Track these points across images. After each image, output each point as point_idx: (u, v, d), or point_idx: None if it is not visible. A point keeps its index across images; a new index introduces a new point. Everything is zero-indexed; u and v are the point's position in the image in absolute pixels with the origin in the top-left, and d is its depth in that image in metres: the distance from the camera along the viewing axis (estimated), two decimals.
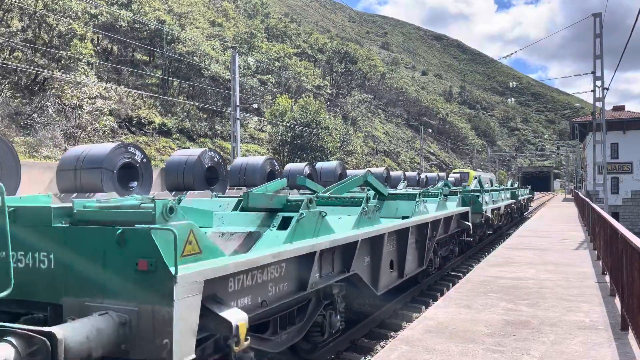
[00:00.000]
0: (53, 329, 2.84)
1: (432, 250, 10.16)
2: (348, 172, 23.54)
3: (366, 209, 7.18)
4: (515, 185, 33.92)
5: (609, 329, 5.97)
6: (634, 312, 5.15)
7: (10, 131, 23.41)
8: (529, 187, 41.66)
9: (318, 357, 6.69)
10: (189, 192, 11.73)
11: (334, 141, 41.39)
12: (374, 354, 7.04)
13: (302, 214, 5.45)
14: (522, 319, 6.41)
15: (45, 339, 2.77)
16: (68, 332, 2.91)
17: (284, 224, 5.40)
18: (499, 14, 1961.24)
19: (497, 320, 6.36)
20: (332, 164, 21.41)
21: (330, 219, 6.24)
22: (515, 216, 27.23)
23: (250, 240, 5.30)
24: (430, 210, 10.41)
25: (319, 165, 20.64)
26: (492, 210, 17.75)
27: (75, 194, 10.18)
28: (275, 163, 16.31)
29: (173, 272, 3.26)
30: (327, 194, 8.28)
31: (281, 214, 5.58)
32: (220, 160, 13.84)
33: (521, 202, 29.38)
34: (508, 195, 23.53)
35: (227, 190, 13.43)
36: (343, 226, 6.71)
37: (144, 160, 11.39)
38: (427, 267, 10.07)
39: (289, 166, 18.54)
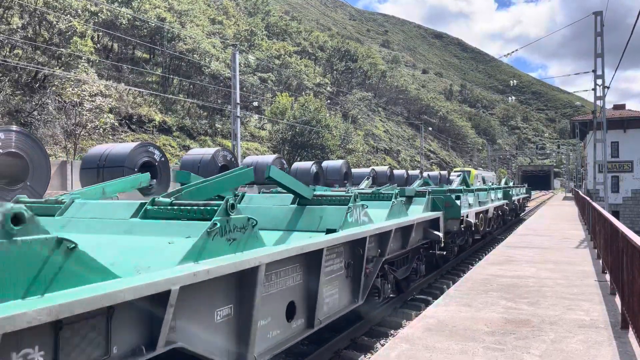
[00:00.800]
0: None
1: (374, 275, 7.18)
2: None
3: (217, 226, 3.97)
4: (510, 184, 30.80)
5: (609, 328, 5.97)
6: (634, 311, 5.15)
7: None
8: (526, 185, 38.40)
9: (318, 355, 6.69)
10: None
11: (334, 139, 41.37)
12: (374, 352, 7.04)
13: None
14: (523, 318, 6.41)
15: None
16: None
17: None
18: (499, 13, 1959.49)
19: (498, 319, 6.36)
20: (337, 162, 21.88)
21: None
22: (509, 219, 24.34)
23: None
24: (378, 219, 7.60)
25: (325, 164, 21.02)
26: (478, 213, 15.06)
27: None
28: (284, 162, 17.02)
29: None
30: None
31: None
32: (232, 158, 14.40)
33: (516, 202, 26.51)
34: (499, 195, 20.82)
35: (239, 188, 13.70)
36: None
37: (162, 159, 11.84)
38: (365, 301, 6.96)
39: (297, 164, 19.07)
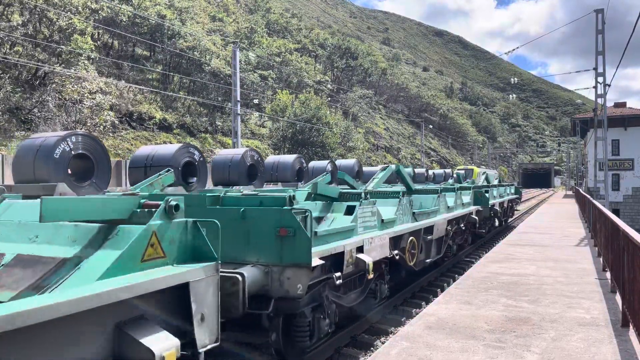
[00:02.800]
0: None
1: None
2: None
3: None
4: (493, 180, 25.54)
5: (610, 326, 5.97)
6: (634, 309, 5.15)
7: (10, 126, 23.40)
8: (515, 184, 30.67)
9: (318, 353, 6.70)
10: (234, 187, 13.09)
11: (335, 137, 41.34)
12: (374, 349, 7.05)
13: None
14: (523, 316, 6.41)
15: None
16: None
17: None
18: (498, 10, 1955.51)
19: (498, 317, 6.36)
20: (350, 161, 22.39)
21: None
22: (483, 232, 17.46)
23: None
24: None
25: (338, 162, 21.90)
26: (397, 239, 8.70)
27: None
28: (303, 161, 17.69)
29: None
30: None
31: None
32: (259, 158, 15.33)
33: (497, 207, 19.08)
34: (467, 199, 14.96)
35: (264, 185, 15.06)
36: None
37: (201, 159, 12.88)
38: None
39: (313, 163, 20.57)
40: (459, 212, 13.21)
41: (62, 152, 9.66)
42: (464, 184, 17.78)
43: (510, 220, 26.45)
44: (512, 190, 26.25)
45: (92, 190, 9.65)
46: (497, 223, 20.96)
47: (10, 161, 16.46)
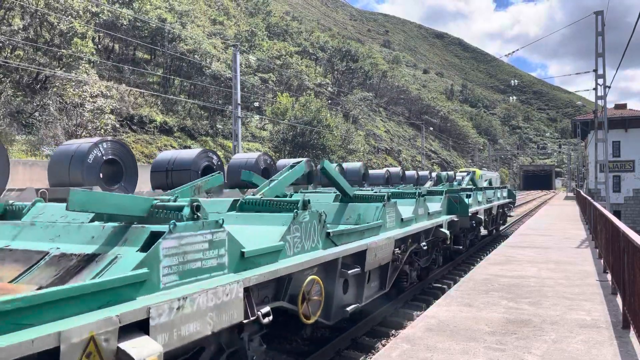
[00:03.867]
0: None
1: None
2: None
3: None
4: (480, 181, 22.42)
5: (611, 328, 5.96)
6: (635, 311, 5.14)
7: (11, 129, 23.43)
8: (507, 186, 26.40)
9: (319, 355, 6.70)
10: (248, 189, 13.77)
11: (335, 139, 41.37)
12: (375, 352, 7.05)
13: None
14: (524, 318, 6.41)
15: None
16: None
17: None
18: (497, 13, 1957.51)
19: (499, 319, 6.35)
20: (356, 164, 23.25)
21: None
22: (460, 248, 13.62)
23: None
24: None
25: (345, 165, 23.07)
26: (310, 278, 5.87)
27: (167, 191, 12.60)
28: (313, 164, 18.43)
29: None
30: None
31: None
32: (271, 162, 16.29)
33: (482, 215, 15.95)
34: (437, 207, 11.66)
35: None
36: None
37: (219, 162, 13.74)
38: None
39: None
40: (420, 225, 9.53)
41: (94, 158, 10.63)
42: (437, 187, 14.78)
43: (503, 228, 23.42)
44: (505, 194, 22.74)
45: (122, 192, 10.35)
46: (482, 233, 18.55)
47: (11, 164, 16.71)
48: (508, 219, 25.72)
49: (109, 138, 11.60)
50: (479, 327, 5.98)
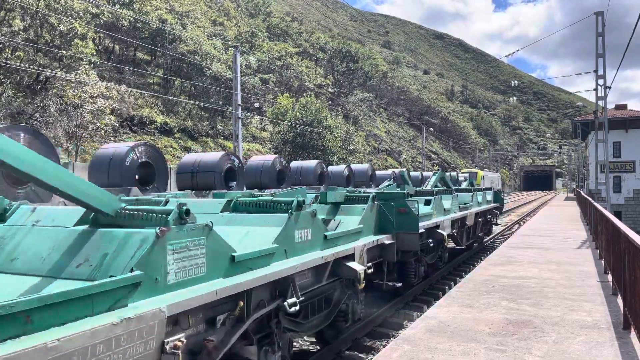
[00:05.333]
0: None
1: None
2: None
3: None
4: (446, 182, 16.30)
5: (612, 329, 5.96)
6: (636, 312, 5.14)
7: None
8: (492, 188, 21.97)
9: (320, 356, 6.69)
10: (266, 189, 14.32)
11: (336, 140, 41.36)
12: (375, 353, 7.04)
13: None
14: (524, 318, 6.40)
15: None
16: None
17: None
18: (497, 14, 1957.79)
19: (499, 320, 6.35)
20: (364, 166, 23.87)
21: None
22: (396, 286, 8.60)
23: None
24: None
25: (353, 167, 23.43)
26: None
27: (192, 192, 13.17)
28: (324, 166, 19.20)
29: None
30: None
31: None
32: (286, 164, 17.01)
33: (449, 228, 12.40)
34: (354, 223, 7.63)
35: (290, 187, 16.37)
36: None
37: (240, 165, 14.41)
38: None
39: (331, 168, 21.49)
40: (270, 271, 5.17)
41: (131, 161, 11.47)
42: (368, 191, 9.76)
43: (487, 239, 19.77)
44: (489, 197, 18.78)
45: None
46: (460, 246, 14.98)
47: None
48: (496, 227, 22.06)
49: (143, 142, 12.40)
50: (479, 328, 5.98)
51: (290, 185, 16.71)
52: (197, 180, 13.71)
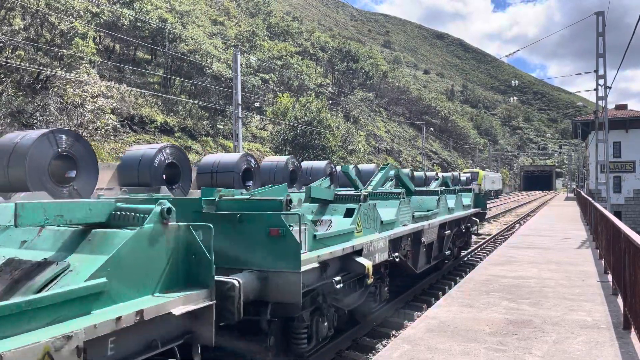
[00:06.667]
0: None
1: None
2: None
3: None
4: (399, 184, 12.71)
5: (612, 329, 5.96)
6: (636, 311, 5.14)
7: (12, 130, 23.43)
8: (472, 188, 18.43)
9: (320, 356, 6.69)
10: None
11: (336, 140, 41.35)
12: (375, 352, 7.04)
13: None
14: (524, 318, 6.40)
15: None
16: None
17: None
18: (496, 14, 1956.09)
19: (499, 320, 6.35)
20: (370, 166, 24.62)
21: None
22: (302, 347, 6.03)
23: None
24: None
25: (361, 167, 24.23)
26: None
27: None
28: (332, 166, 19.61)
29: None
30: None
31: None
32: (298, 165, 17.62)
33: (416, 245, 10.19)
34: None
35: (303, 187, 16.74)
36: None
37: (256, 165, 14.96)
38: None
39: (338, 168, 22.59)
40: None
41: (159, 161, 12.22)
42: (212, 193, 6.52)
43: (465, 254, 16.00)
44: (467, 201, 15.10)
45: (180, 193, 11.85)
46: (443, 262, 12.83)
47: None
48: (479, 237, 19.02)
49: (169, 144, 13.15)
50: (479, 328, 5.98)
51: (302, 184, 17.31)
52: (216, 179, 14.39)
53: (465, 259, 15.81)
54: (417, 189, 12.59)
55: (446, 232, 12.15)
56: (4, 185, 9.16)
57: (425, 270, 11.09)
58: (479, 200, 16.30)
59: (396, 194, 9.95)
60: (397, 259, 8.66)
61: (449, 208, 12.73)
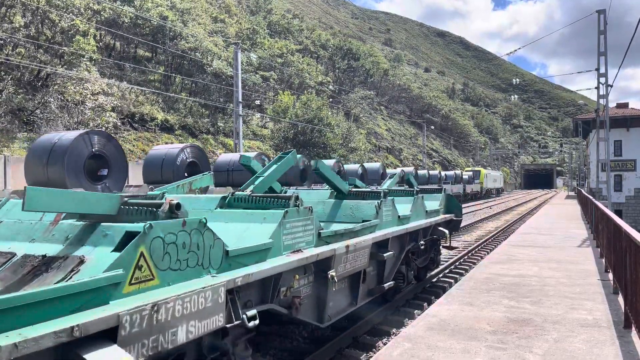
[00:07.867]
0: None
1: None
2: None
3: None
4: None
5: (612, 327, 5.95)
6: (637, 310, 5.13)
7: (13, 127, 23.44)
8: (444, 188, 12.36)
9: (320, 354, 6.69)
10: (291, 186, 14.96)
11: (336, 138, 41.35)
12: (376, 351, 7.04)
13: None
14: (525, 317, 6.40)
15: None
16: None
17: None
18: (496, 12, 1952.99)
19: (500, 318, 6.34)
20: (375, 165, 25.31)
21: None
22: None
23: None
24: None
25: (366, 165, 24.50)
26: None
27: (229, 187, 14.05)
28: (341, 165, 19.92)
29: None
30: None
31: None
32: (308, 163, 17.92)
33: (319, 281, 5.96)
34: None
35: (312, 185, 17.12)
36: None
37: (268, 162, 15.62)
38: None
39: (345, 167, 22.38)
40: None
41: (181, 160, 12.85)
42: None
43: (432, 274, 11.87)
44: (435, 205, 10.96)
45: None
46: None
47: (13, 162, 17.59)
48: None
49: (190, 144, 13.86)
50: (480, 326, 5.97)
51: (312, 182, 17.72)
52: (232, 177, 14.98)
53: (435, 279, 11.96)
54: (355, 189, 8.57)
55: (388, 254, 7.67)
56: (42, 182, 9.61)
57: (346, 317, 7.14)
58: (452, 204, 11.88)
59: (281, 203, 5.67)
60: (285, 308, 5.22)
61: (399, 217, 8.48)
